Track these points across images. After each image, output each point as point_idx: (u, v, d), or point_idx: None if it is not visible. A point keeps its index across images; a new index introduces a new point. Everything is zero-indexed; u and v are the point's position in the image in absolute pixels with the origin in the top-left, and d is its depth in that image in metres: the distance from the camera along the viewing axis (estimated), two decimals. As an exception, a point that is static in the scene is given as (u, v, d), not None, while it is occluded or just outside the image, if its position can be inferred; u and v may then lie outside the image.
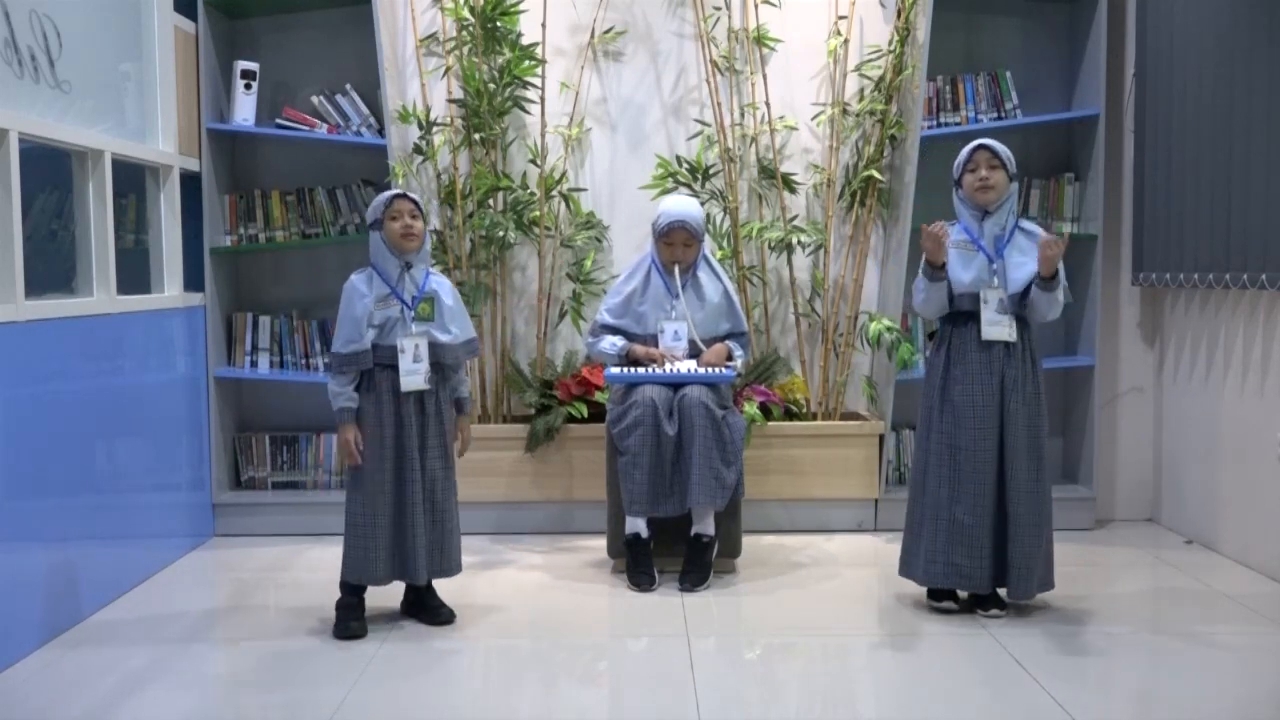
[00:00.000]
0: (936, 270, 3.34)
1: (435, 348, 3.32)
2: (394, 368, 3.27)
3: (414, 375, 3.27)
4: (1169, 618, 3.47)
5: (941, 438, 3.38)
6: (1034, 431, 3.36)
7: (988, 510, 3.33)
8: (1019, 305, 3.39)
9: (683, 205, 3.92)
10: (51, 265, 3.55)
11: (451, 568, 3.40)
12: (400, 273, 3.30)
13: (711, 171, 4.53)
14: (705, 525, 3.76)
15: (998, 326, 3.34)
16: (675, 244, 3.89)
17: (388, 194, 3.32)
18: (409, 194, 3.32)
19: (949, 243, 3.37)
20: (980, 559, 3.33)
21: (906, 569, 3.50)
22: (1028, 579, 3.35)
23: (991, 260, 3.35)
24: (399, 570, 3.33)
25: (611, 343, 3.94)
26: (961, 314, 3.40)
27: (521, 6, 4.41)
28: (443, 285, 3.40)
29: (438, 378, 3.35)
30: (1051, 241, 3.29)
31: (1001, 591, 3.43)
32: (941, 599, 3.44)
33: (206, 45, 4.37)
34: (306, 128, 4.52)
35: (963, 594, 3.46)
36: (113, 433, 3.70)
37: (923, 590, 3.51)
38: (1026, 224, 3.46)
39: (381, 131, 4.45)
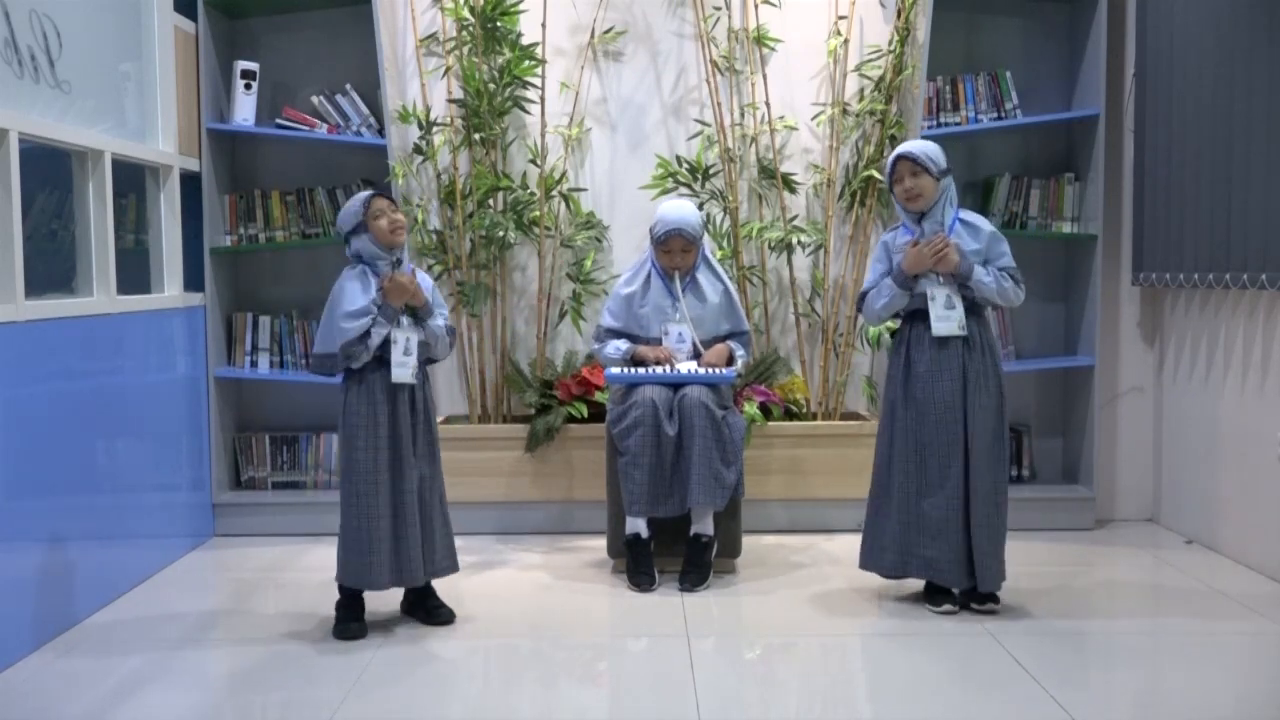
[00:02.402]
0: (909, 279, 3.38)
1: (422, 344, 3.33)
2: (385, 362, 3.25)
3: (404, 368, 3.26)
4: (1169, 618, 3.47)
5: (907, 434, 3.41)
6: (996, 425, 3.38)
7: (957, 503, 3.34)
8: (968, 295, 3.41)
9: (679, 211, 3.90)
10: (51, 265, 3.55)
11: (444, 567, 3.39)
12: (392, 269, 3.30)
13: (711, 171, 4.53)
14: (705, 525, 3.76)
15: (946, 322, 3.36)
16: (673, 251, 3.88)
17: (360, 197, 3.28)
18: (379, 191, 3.34)
19: (896, 246, 3.45)
20: (952, 551, 3.35)
21: (869, 560, 3.52)
22: (994, 571, 3.37)
23: None
24: (397, 575, 3.29)
25: (616, 347, 3.94)
26: (919, 312, 3.42)
27: (521, 6, 4.41)
28: (425, 281, 3.40)
29: (422, 375, 3.36)
30: (918, 244, 3.34)
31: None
32: (940, 602, 3.44)
33: (206, 45, 4.37)
34: (306, 128, 4.52)
35: (955, 591, 3.46)
36: (113, 433, 3.70)
37: (922, 589, 3.52)
38: (968, 215, 3.49)
39: (381, 131, 4.46)
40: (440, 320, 3.37)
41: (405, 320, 3.29)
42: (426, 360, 3.40)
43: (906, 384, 3.42)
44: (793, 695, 2.92)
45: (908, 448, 3.40)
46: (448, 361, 4.65)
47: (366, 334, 3.21)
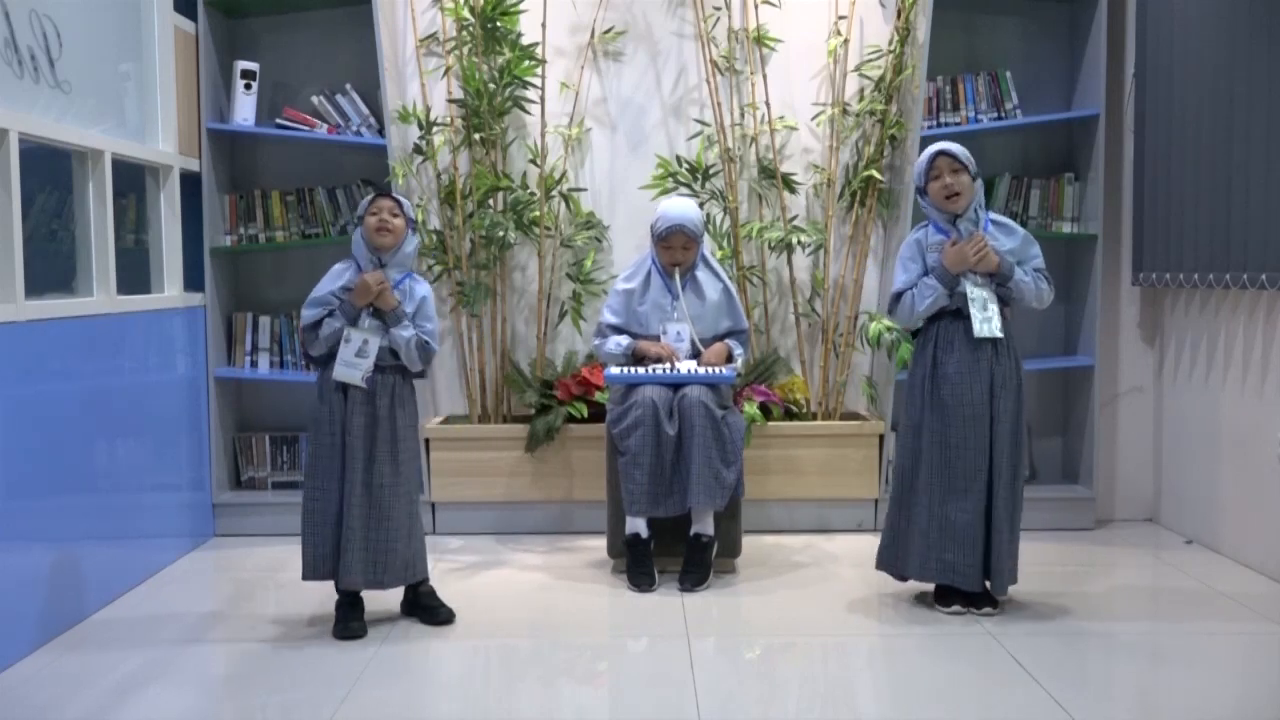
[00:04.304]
0: (953, 279, 3.35)
1: (386, 350, 3.29)
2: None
3: (349, 367, 3.24)
4: (1169, 618, 3.47)
5: (932, 436, 3.38)
6: (1016, 428, 3.38)
7: (979, 507, 3.33)
8: (1003, 299, 3.41)
9: (681, 208, 3.91)
10: (51, 265, 3.55)
11: (392, 579, 3.31)
12: (373, 269, 3.30)
13: (711, 171, 4.53)
14: (705, 525, 3.76)
15: (986, 324, 3.34)
16: (674, 247, 3.89)
17: (374, 194, 3.37)
18: (393, 195, 3.36)
19: (929, 244, 3.41)
20: (973, 555, 3.34)
21: (887, 564, 3.50)
22: (1007, 574, 3.37)
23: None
24: (337, 572, 3.28)
25: (617, 342, 3.94)
26: (946, 312, 3.40)
27: (521, 6, 4.41)
28: (412, 292, 3.35)
29: (391, 381, 3.31)
30: (958, 243, 3.32)
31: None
32: (950, 603, 3.43)
33: (206, 45, 4.37)
34: (306, 128, 4.52)
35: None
36: (113, 433, 3.70)
37: (925, 589, 3.52)
38: (998, 216, 3.49)
39: (381, 131, 4.46)
40: (408, 331, 3.28)
41: (368, 322, 3.27)
42: (405, 371, 3.36)
43: (933, 387, 3.39)
44: (793, 695, 2.92)
45: (933, 451, 3.37)
46: (448, 361, 4.66)
47: (319, 323, 3.28)
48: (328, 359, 3.29)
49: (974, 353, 3.35)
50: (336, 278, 3.33)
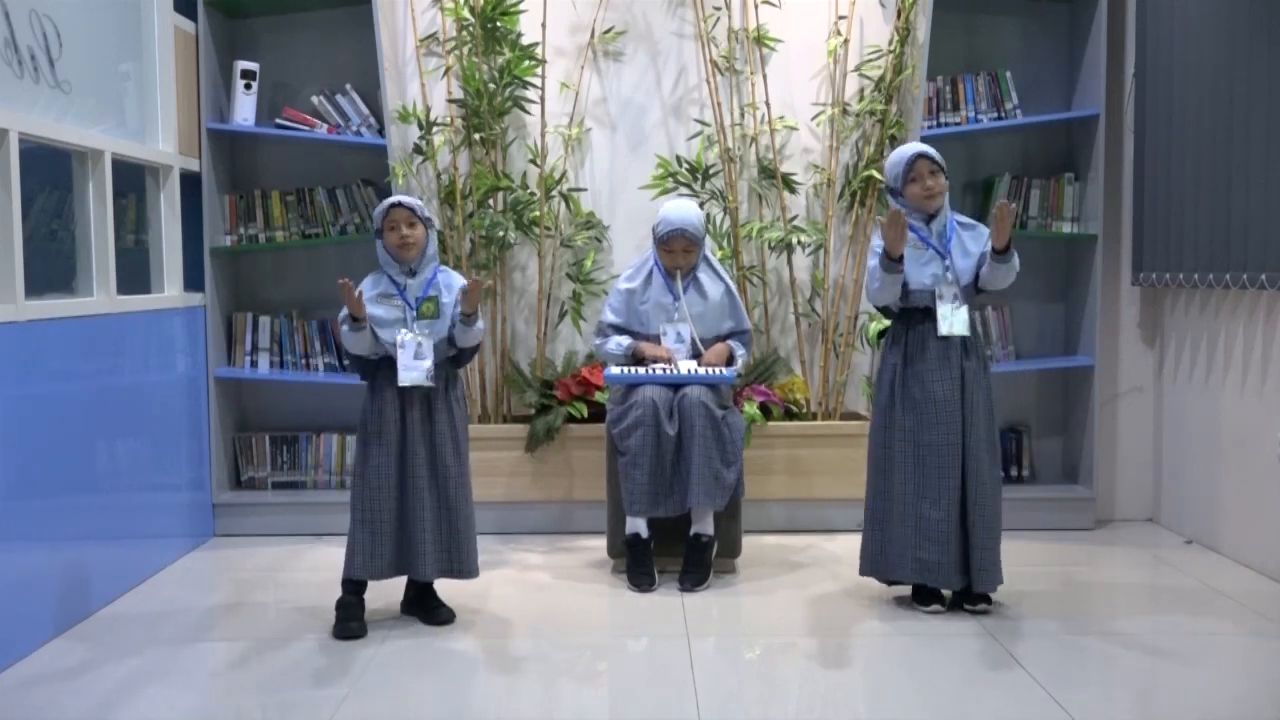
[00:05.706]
0: (895, 263, 3.35)
1: (439, 345, 3.33)
2: (395, 363, 3.28)
3: (412, 371, 3.27)
4: (1169, 617, 3.47)
5: (905, 434, 3.40)
6: (990, 425, 3.40)
7: (954, 505, 3.34)
8: (970, 295, 3.42)
9: (682, 211, 3.90)
10: (51, 265, 3.55)
11: (467, 569, 3.38)
12: (405, 277, 3.33)
13: (711, 171, 4.53)
14: (705, 525, 3.76)
15: (955, 321, 3.36)
16: (675, 251, 3.88)
17: (386, 203, 3.33)
18: (405, 201, 3.31)
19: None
20: (947, 554, 3.34)
21: (871, 567, 3.50)
22: (993, 572, 3.38)
23: (944, 257, 3.39)
24: (403, 565, 3.33)
25: (618, 343, 3.94)
26: (917, 311, 3.42)
27: (521, 6, 4.41)
28: (447, 284, 3.40)
29: (444, 372, 3.36)
30: (1004, 207, 3.29)
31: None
32: (929, 602, 3.44)
33: (206, 45, 4.37)
34: (306, 128, 4.52)
35: (945, 592, 3.47)
36: (113, 433, 3.70)
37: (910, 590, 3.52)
38: (962, 217, 3.51)
39: (381, 131, 4.46)
40: (480, 324, 3.37)
41: (415, 324, 3.30)
42: (453, 360, 3.40)
43: (904, 385, 3.42)
44: (793, 695, 2.92)
45: (906, 449, 3.40)
46: (448, 361, 4.66)
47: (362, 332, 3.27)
48: (377, 365, 3.32)
49: (943, 351, 3.37)
50: (370, 289, 3.33)
